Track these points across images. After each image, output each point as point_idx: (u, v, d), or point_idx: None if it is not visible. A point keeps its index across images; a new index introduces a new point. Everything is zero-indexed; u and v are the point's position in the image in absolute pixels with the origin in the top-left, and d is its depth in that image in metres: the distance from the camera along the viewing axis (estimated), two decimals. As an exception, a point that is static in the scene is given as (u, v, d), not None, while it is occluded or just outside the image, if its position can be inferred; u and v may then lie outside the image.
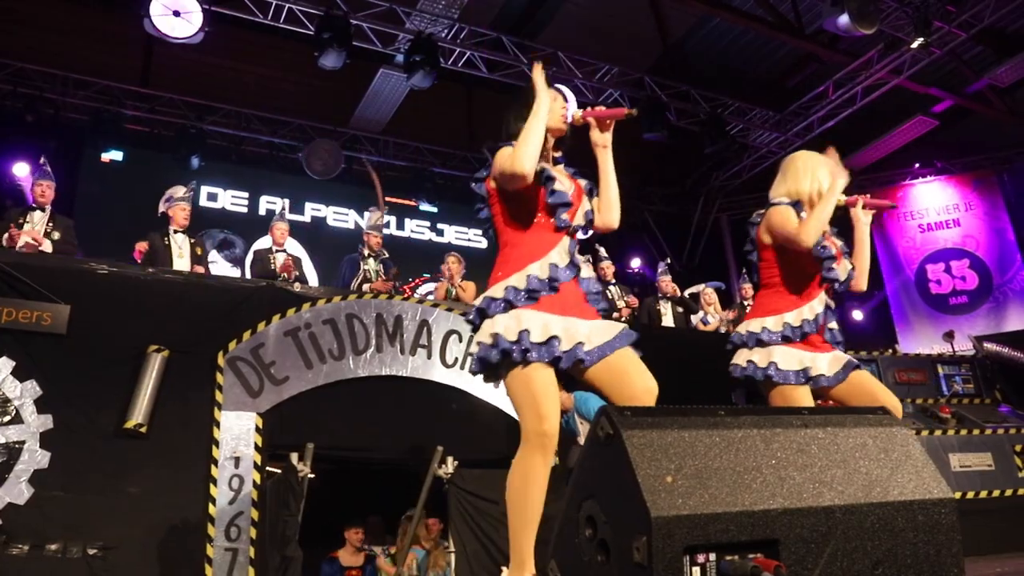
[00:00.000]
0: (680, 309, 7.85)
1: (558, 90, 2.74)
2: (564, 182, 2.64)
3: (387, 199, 10.89)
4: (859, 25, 8.03)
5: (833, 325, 3.17)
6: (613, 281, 8.02)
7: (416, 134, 10.89)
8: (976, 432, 6.55)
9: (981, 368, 7.42)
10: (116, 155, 9.60)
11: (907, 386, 7.07)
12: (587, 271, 2.64)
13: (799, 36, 9.53)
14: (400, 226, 11.42)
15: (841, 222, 3.34)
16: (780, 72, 11.09)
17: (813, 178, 3.16)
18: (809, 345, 3.07)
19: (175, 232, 6.32)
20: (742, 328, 3.17)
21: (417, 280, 8.20)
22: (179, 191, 6.48)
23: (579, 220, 2.65)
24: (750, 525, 1.35)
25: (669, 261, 8.80)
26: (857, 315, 12.41)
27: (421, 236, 11.57)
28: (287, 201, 10.50)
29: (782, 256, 3.15)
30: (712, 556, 1.32)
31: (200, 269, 6.23)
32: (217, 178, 10.30)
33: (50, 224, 6.16)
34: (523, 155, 2.44)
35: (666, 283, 8.02)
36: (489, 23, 9.27)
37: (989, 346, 7.75)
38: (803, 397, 3.02)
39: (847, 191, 3.24)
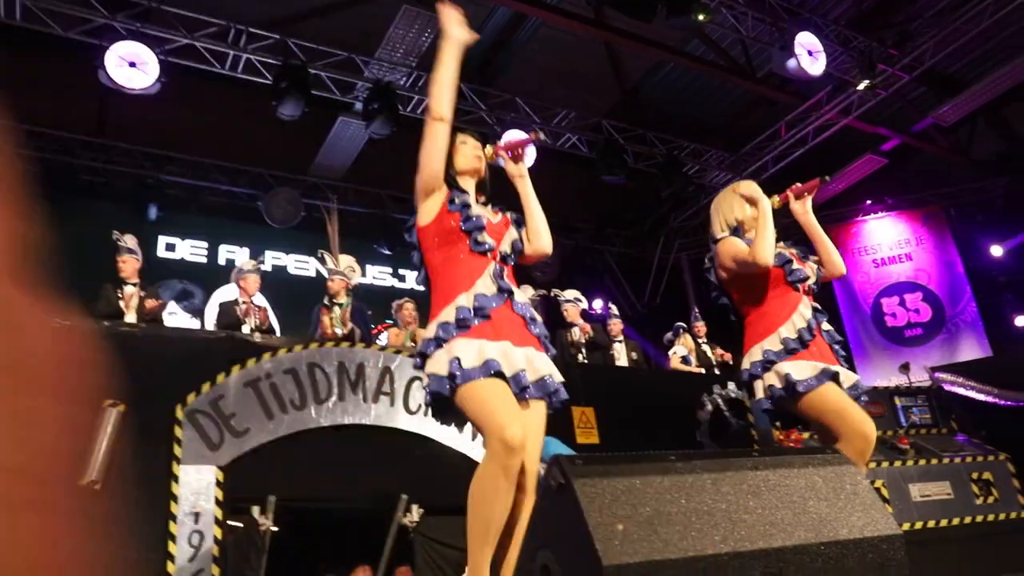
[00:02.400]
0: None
1: (479, 136, 2.80)
2: (484, 212, 2.66)
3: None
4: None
5: (827, 326, 3.16)
6: (620, 338, 8.06)
7: (376, 181, 10.93)
8: (935, 462, 6.66)
9: (937, 398, 7.56)
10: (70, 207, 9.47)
11: (867, 419, 7.16)
12: (521, 296, 2.62)
13: (751, 79, 9.80)
14: (362, 273, 11.39)
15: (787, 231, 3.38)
16: (734, 114, 11.36)
17: (731, 205, 3.25)
18: (817, 356, 3.02)
19: (124, 284, 6.21)
20: (745, 363, 3.15)
21: (380, 327, 8.16)
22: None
23: (505, 247, 2.65)
24: (701, 570, 1.37)
25: (611, 305, 8.89)
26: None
27: (383, 282, 11.56)
28: (247, 250, 10.44)
29: (747, 283, 3.17)
30: (665, 602, 1.34)
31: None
32: (175, 228, 10.22)
33: (142, 294, 6.20)
34: (432, 157, 2.55)
35: (615, 325, 8.09)
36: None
37: (944, 376, 7.91)
38: (837, 396, 2.95)
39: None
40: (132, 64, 7.64)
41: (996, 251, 12.10)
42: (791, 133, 10.61)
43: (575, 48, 9.75)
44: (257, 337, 5.49)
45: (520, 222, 2.76)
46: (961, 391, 7.79)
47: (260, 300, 6.85)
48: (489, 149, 2.73)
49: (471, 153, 2.73)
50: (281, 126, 8.86)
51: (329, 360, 5.36)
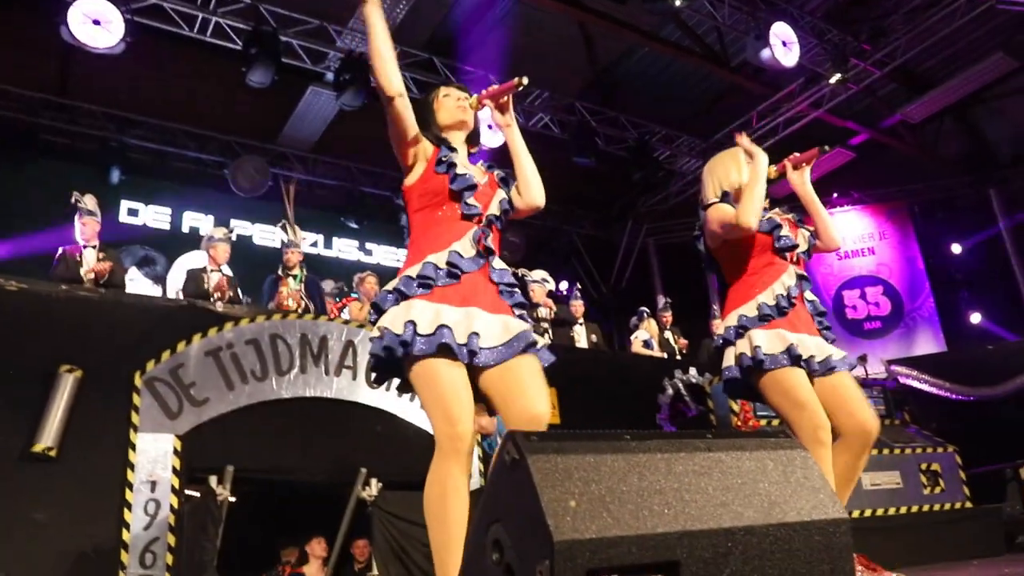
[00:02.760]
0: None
1: (462, 86, 2.70)
2: (473, 171, 2.55)
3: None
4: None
5: (811, 296, 3.08)
6: (581, 320, 8.09)
7: (346, 153, 10.83)
8: (886, 452, 6.80)
9: (892, 391, 7.72)
10: (32, 168, 9.28)
11: (823, 408, 7.29)
12: (499, 263, 2.50)
13: (725, 68, 9.84)
14: (328, 245, 11.32)
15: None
16: (706, 102, 11.41)
17: (726, 168, 3.16)
18: (795, 325, 2.94)
19: (85, 247, 6.09)
20: (719, 328, 3.08)
21: (345, 300, 8.12)
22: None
23: (493, 209, 2.52)
24: (651, 547, 1.39)
25: (579, 287, 8.94)
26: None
27: (349, 256, 11.48)
28: (212, 218, 10.31)
29: (732, 250, 3.10)
30: (614, 578, 1.36)
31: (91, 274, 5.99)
32: (139, 193, 10.04)
33: (101, 256, 6.06)
34: (386, 72, 2.40)
35: (577, 307, 8.13)
36: (421, 44, 9.31)
37: (899, 369, 8.08)
38: (799, 380, 2.86)
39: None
40: (96, 22, 7.45)
41: (956, 248, 12.34)
42: (762, 123, 10.69)
43: (549, 28, 9.71)
44: (219, 306, 5.44)
45: (507, 180, 2.64)
46: (915, 384, 7.96)
47: (227, 270, 6.78)
48: (473, 99, 2.62)
49: (454, 106, 2.61)
50: (250, 94, 8.73)
51: (292, 332, 5.33)
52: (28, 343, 4.60)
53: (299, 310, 6.32)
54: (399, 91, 2.41)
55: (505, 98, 2.60)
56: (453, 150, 2.54)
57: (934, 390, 7.94)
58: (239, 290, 6.66)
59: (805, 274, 3.10)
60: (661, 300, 9.08)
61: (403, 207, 2.58)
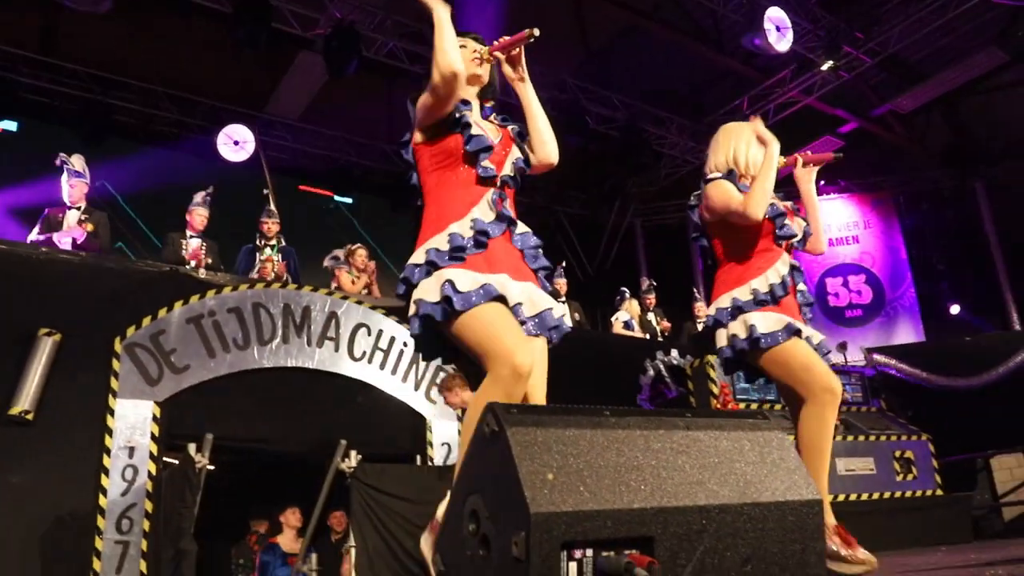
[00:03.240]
0: None
1: (478, 37, 2.58)
2: (487, 128, 2.45)
3: (302, 188, 10.72)
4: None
5: (802, 287, 3.07)
6: (563, 298, 8.09)
7: (334, 124, 10.74)
8: (861, 438, 6.88)
9: (870, 378, 7.79)
10: (9, 125, 9.14)
11: (801, 394, 7.36)
12: (522, 226, 2.44)
13: (718, 51, 9.82)
14: (315, 216, 11.23)
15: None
16: (698, 85, 11.39)
17: (738, 144, 3.10)
18: (782, 311, 2.92)
19: (69, 208, 6.00)
20: (711, 310, 3.05)
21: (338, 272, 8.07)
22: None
23: (507, 170, 2.44)
24: (627, 522, 1.41)
25: (564, 264, 8.94)
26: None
27: (335, 228, 11.41)
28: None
29: (730, 228, 3.04)
30: (589, 552, 1.37)
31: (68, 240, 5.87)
32: (123, 157, 9.92)
33: (83, 217, 5.94)
34: (445, 54, 2.28)
35: (560, 284, 8.14)
36: (413, 14, 9.21)
37: (878, 358, 8.15)
38: (803, 351, 2.87)
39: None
40: (82, -22, 7.32)
41: (939, 239, 12.41)
42: (753, 108, 10.68)
43: (544, 4, 9.63)
44: (202, 273, 5.40)
45: (523, 134, 2.53)
46: (893, 373, 8.04)
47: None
48: (484, 51, 2.51)
49: (469, 59, 2.47)
50: (238, 59, 8.62)
51: (275, 301, 5.31)
52: (7, 305, 4.55)
53: (283, 279, 6.29)
54: (457, 67, 2.30)
55: (516, 50, 2.50)
56: (467, 105, 2.43)
57: (911, 379, 8.02)
58: (217, 257, 6.58)
59: (798, 264, 3.07)
60: (645, 282, 9.10)
61: (413, 164, 2.48)
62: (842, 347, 8.63)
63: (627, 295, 8.62)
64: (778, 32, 8.68)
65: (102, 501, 4.47)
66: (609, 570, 1.37)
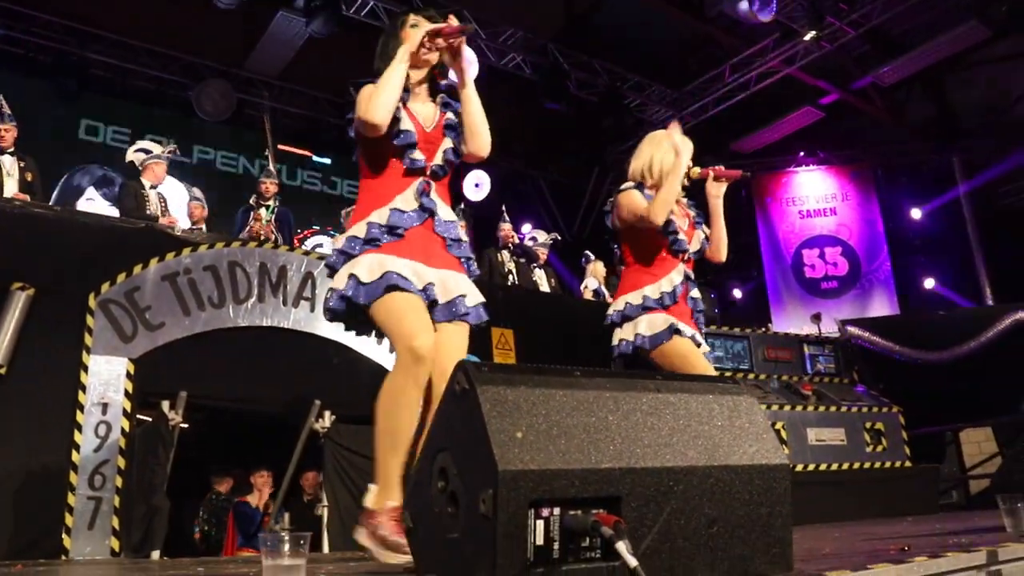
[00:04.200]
0: (522, 260, 8.02)
1: (427, 15, 2.59)
2: (422, 116, 2.51)
3: (282, 148, 10.59)
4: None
5: (695, 294, 3.32)
6: (542, 262, 8.11)
7: (313, 83, 10.59)
8: (833, 409, 6.98)
9: (843, 350, 7.89)
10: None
11: (775, 363, 7.46)
12: (446, 214, 2.49)
13: (700, 18, 9.76)
14: (292, 176, 11.14)
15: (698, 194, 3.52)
16: (680, 52, 11.32)
17: (654, 153, 3.32)
18: (673, 315, 3.19)
19: (2, 152, 5.82)
20: (611, 309, 3.33)
21: (306, 232, 8.03)
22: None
23: (437, 159, 2.51)
24: (595, 482, 1.42)
25: (557, 236, 8.88)
26: (736, 293, 12.99)
27: (313, 187, 11.33)
28: (173, 141, 10.07)
29: (635, 236, 3.31)
30: (556, 510, 1.38)
31: (25, 197, 5.62)
32: (98, 111, 9.76)
33: (22, 164, 5.78)
34: (376, 105, 2.36)
35: (542, 253, 8.15)
36: (395, -25, 9.08)
37: (852, 329, 8.24)
38: (682, 344, 3.15)
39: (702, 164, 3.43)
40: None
41: (916, 214, 12.52)
42: (734, 76, 10.66)
43: (528, -34, 9.53)
44: (178, 230, 5.34)
45: (456, 126, 2.56)
46: (866, 345, 8.14)
47: (172, 187, 6.63)
48: (697, 169, 2.79)
49: (418, 41, 2.48)
50: (217, 15, 8.46)
51: (251, 260, 5.27)
52: (-22, 259, 4.49)
53: (273, 240, 6.25)
54: (380, 123, 2.38)
55: (455, 40, 2.50)
56: (406, 93, 2.50)
57: (884, 352, 8.13)
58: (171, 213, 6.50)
59: (691, 274, 3.34)
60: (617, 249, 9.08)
61: (355, 142, 2.58)
62: (816, 318, 8.72)
63: (591, 258, 8.58)
64: (762, 0, 8.64)
65: (75, 457, 4.45)
66: (576, 528, 1.39)
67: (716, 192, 3.43)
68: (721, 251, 3.44)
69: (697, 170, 3.36)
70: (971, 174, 12.08)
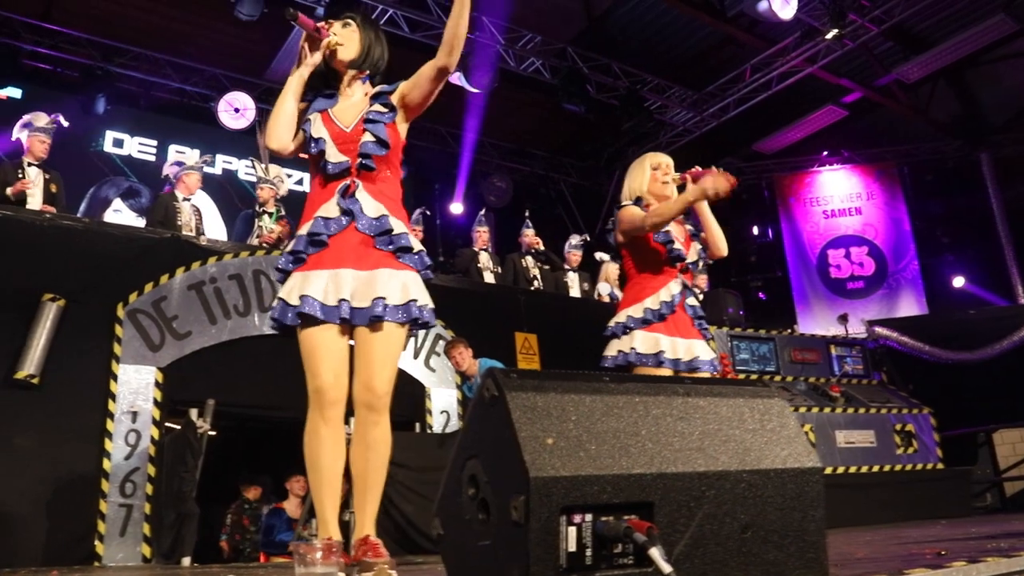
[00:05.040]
0: (546, 267, 8.01)
1: (345, 21, 2.57)
2: (340, 118, 2.48)
3: (302, 155, 10.63)
4: None
5: (692, 302, 3.43)
6: (576, 267, 8.10)
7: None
8: (862, 411, 6.91)
9: (871, 351, 7.81)
10: (14, 92, 9.08)
11: (801, 365, 7.39)
12: (372, 210, 2.41)
13: (721, 18, 9.69)
14: (302, 182, 11.18)
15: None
16: (700, 53, 11.25)
17: (642, 174, 3.51)
18: (672, 329, 3.30)
19: (29, 164, 5.84)
20: (612, 321, 3.42)
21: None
22: (41, 119, 6.07)
23: (363, 152, 2.43)
24: (626, 488, 1.41)
25: (587, 237, 8.85)
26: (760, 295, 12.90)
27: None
28: (198, 152, 10.17)
29: (636, 249, 3.42)
30: (588, 517, 1.38)
31: (51, 209, 5.66)
32: (124, 124, 9.87)
33: (47, 176, 5.86)
34: (268, 135, 2.46)
35: (574, 254, 8.12)
36: (413, -20, 9.12)
37: (880, 330, 8.15)
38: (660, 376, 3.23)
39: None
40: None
41: (959, 282, 12.26)
42: (755, 77, 10.57)
43: (546, -30, 9.53)
44: (203, 240, 5.40)
45: (377, 118, 2.46)
46: (895, 345, 8.05)
47: (203, 200, 6.68)
48: (677, 176, 2.86)
49: (335, 41, 2.49)
50: (238, 26, 8.54)
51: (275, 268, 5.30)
52: (11, 271, 4.56)
53: (283, 247, 6.27)
54: (277, 150, 2.48)
55: (317, 33, 2.49)
56: (330, 97, 2.54)
57: (913, 352, 8.03)
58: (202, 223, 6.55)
59: (688, 284, 3.45)
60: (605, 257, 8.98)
61: None
62: (843, 319, 8.64)
63: (604, 259, 8.52)
64: None
65: (106, 465, 4.52)
66: (608, 535, 1.38)
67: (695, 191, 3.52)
68: (719, 247, 3.51)
69: (676, 176, 3.48)
70: (1000, 171, 11.91)
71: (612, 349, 3.36)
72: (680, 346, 3.31)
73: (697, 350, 3.33)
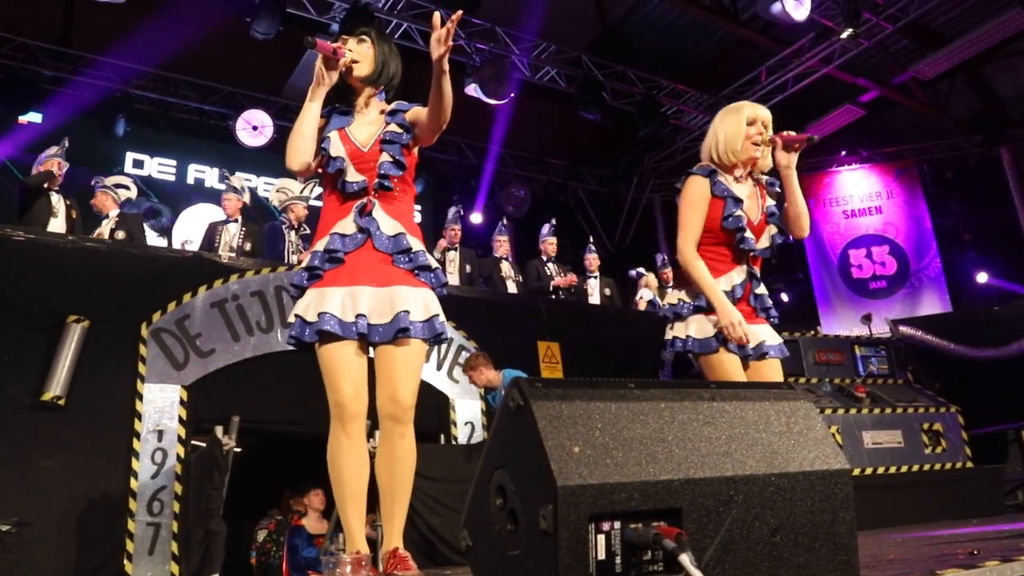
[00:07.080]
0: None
1: (359, 36, 2.59)
2: (356, 136, 2.50)
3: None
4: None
5: (760, 291, 3.04)
6: (596, 273, 8.11)
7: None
8: (888, 411, 6.83)
9: (896, 350, 7.72)
10: (35, 117, 9.21)
11: (826, 366, 7.32)
12: (389, 229, 2.45)
13: (735, 21, 9.68)
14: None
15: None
16: (715, 56, 11.24)
17: (722, 134, 3.05)
18: None
19: (50, 191, 6.03)
20: (665, 302, 3.17)
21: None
22: (51, 149, 6.24)
23: (381, 172, 2.46)
24: (654, 494, 1.40)
25: (593, 240, 8.88)
26: (783, 296, 12.81)
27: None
28: (217, 170, 10.27)
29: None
30: (617, 524, 1.37)
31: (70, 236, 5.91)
32: (143, 145, 10.00)
33: (68, 203, 6.05)
34: (288, 155, 2.46)
35: (592, 260, 8.13)
36: (428, -4, 9.16)
37: (904, 329, 8.06)
38: (727, 362, 2.91)
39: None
40: (99, -30, 7.34)
41: (982, 278, 12.10)
42: (771, 79, 10.54)
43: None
44: (224, 258, 5.44)
45: (394, 139, 2.50)
46: (920, 344, 7.96)
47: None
48: (768, 134, 2.72)
49: (349, 59, 2.53)
50: (255, 45, 8.63)
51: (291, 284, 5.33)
52: (36, 293, 4.62)
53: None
54: (296, 171, 2.49)
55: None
56: (346, 114, 2.55)
57: (938, 350, 7.93)
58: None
59: (756, 271, 3.06)
60: (660, 258, 9.04)
61: None
62: (866, 319, 8.55)
63: (643, 272, 8.59)
64: (796, 0, 8.54)
65: (133, 484, 4.55)
66: (637, 542, 1.37)
67: (786, 162, 3.01)
68: (801, 225, 3.05)
69: (767, 137, 3.02)
70: (1021, 165, 11.78)
71: (668, 335, 3.08)
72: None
73: (763, 334, 2.98)
